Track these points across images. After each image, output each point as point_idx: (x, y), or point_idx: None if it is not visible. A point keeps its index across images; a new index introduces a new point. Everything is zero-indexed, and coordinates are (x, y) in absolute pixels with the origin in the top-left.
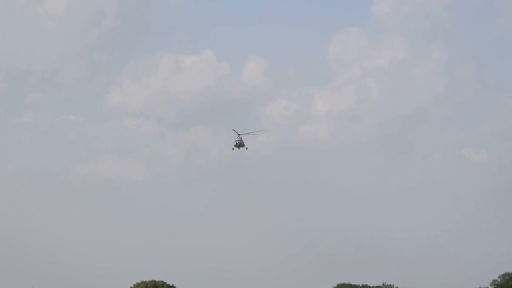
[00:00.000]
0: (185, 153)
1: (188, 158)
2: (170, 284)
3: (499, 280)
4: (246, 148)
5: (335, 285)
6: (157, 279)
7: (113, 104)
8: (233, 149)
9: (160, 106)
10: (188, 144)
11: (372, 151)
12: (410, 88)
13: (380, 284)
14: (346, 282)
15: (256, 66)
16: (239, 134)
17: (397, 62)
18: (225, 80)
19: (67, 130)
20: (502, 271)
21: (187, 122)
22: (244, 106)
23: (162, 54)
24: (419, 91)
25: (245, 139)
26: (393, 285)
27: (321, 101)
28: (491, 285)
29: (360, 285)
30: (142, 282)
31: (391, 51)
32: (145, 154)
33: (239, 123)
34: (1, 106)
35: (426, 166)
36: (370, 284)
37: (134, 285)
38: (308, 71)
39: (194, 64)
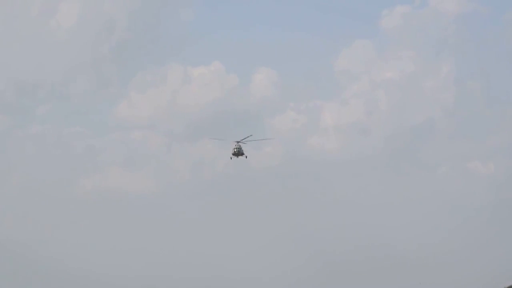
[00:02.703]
0: (192, 165)
1: (196, 170)
2: None
3: None
4: (246, 157)
5: None
6: None
7: (121, 116)
8: (231, 158)
9: (168, 118)
10: (196, 156)
11: (380, 163)
12: (419, 100)
13: None
14: None
15: (265, 78)
16: (237, 142)
17: (406, 75)
18: (234, 92)
19: (75, 142)
20: (509, 283)
21: (195, 134)
22: (252, 118)
23: (170, 66)
24: (427, 104)
25: (248, 149)
26: None
27: (329, 113)
28: None
29: None
30: None
31: (400, 64)
32: (152, 166)
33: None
34: (10, 118)
35: (434, 179)
36: None
37: None
38: (317, 83)
39: (202, 75)
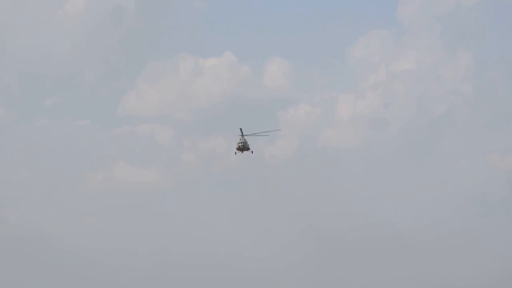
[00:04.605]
0: (203, 159)
1: (206, 164)
2: None
3: None
4: (252, 152)
5: None
6: None
7: (129, 109)
8: (235, 153)
9: (177, 111)
10: (207, 150)
11: (398, 156)
12: (437, 91)
13: None
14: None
15: (278, 69)
16: (243, 135)
17: (424, 65)
18: (246, 83)
19: (82, 135)
20: None
21: (205, 127)
22: (264, 110)
23: (181, 56)
24: (446, 95)
25: (259, 142)
26: None
27: (345, 105)
28: None
29: None
30: None
31: (418, 54)
32: (161, 160)
33: (260, 128)
34: (16, 111)
35: (452, 171)
36: None
37: None
38: (331, 74)
39: (213, 66)
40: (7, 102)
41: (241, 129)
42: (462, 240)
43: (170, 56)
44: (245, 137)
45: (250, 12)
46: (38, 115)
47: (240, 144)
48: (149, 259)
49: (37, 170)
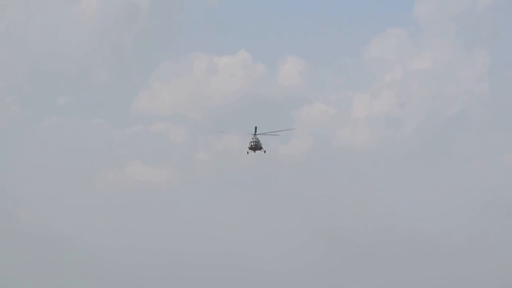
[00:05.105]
0: (216, 158)
1: (220, 163)
2: None
3: None
4: (264, 152)
5: None
6: None
7: (142, 108)
8: (247, 152)
9: (191, 110)
10: (220, 149)
11: (413, 156)
12: (453, 91)
13: None
14: None
15: (293, 67)
16: (255, 134)
17: (440, 65)
18: (260, 82)
19: (94, 134)
20: None
21: (219, 126)
22: (279, 109)
23: (195, 55)
24: (462, 95)
25: (273, 142)
26: None
27: (360, 104)
28: None
29: None
30: None
31: (434, 53)
32: (174, 159)
33: (274, 127)
34: (29, 109)
35: (467, 171)
36: None
37: None
38: (347, 73)
39: (228, 65)
40: (20, 100)
41: (256, 128)
42: (477, 241)
43: (184, 55)
44: (257, 136)
45: (264, 11)
46: (51, 113)
47: (252, 144)
48: (162, 258)
49: (50, 168)
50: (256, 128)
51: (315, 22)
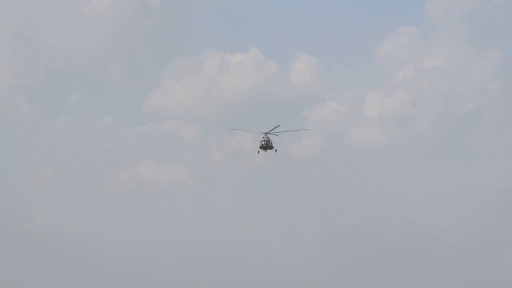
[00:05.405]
0: (229, 156)
1: (232, 162)
2: None
3: None
4: (276, 151)
5: None
6: None
7: (155, 106)
8: (258, 152)
9: (203, 108)
10: (233, 148)
11: (426, 154)
12: (466, 90)
13: None
14: None
15: (305, 66)
16: (265, 133)
17: (452, 63)
18: (272, 80)
19: (106, 132)
20: None
21: (231, 125)
22: (291, 108)
23: (207, 53)
24: (475, 93)
25: (285, 141)
26: None
27: (373, 103)
28: None
29: None
30: None
31: (446, 51)
32: (187, 158)
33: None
34: (40, 107)
35: (481, 171)
36: None
37: None
38: (359, 72)
39: (240, 63)
40: (31, 98)
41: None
42: (491, 239)
43: (196, 53)
44: (268, 135)
45: (276, 8)
46: (63, 112)
47: (263, 143)
48: (174, 262)
49: (61, 167)
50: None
51: (327, 20)
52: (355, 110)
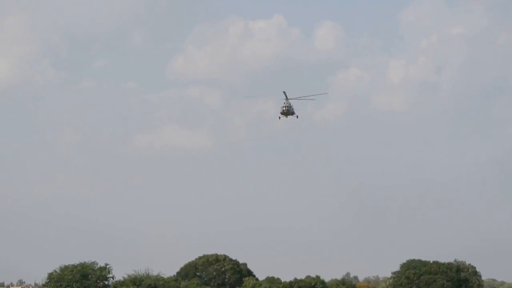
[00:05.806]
0: (251, 121)
1: (254, 127)
2: (233, 258)
3: None
4: (297, 117)
5: (405, 261)
6: (219, 253)
7: (178, 71)
8: (279, 117)
9: (226, 74)
10: (255, 113)
11: (449, 122)
12: (491, 57)
13: (451, 260)
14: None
15: (328, 32)
16: (287, 99)
17: (477, 30)
18: (295, 46)
19: (130, 97)
20: None
21: (254, 90)
22: (314, 74)
23: (230, 19)
24: (500, 60)
25: (307, 107)
26: (465, 262)
27: (396, 69)
28: None
29: (431, 261)
30: (204, 256)
31: (471, 18)
32: (209, 123)
33: (309, 92)
34: (64, 72)
35: (504, 137)
36: (441, 260)
37: (196, 258)
38: (383, 38)
39: (263, 29)
40: (56, 63)
41: (284, 92)
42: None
43: (219, 19)
44: (289, 101)
45: None
46: (86, 76)
47: (284, 109)
48: (198, 224)
49: (85, 131)
50: (284, 92)
51: None
52: (379, 76)
